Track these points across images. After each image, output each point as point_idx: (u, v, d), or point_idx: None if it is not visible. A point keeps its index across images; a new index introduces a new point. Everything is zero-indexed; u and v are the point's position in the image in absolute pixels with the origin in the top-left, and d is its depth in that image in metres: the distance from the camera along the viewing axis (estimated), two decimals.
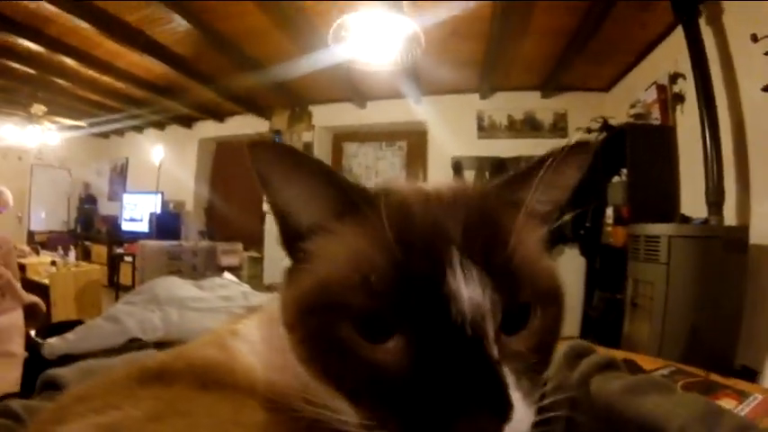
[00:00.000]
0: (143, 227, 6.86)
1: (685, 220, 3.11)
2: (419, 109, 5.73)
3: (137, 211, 7.19)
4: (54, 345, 1.04)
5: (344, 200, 0.35)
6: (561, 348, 0.54)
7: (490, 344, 0.29)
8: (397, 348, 0.30)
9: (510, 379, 0.29)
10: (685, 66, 3.24)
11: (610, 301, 3.56)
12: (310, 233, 0.36)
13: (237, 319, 0.47)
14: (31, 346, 1.37)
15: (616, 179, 3.98)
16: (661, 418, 0.45)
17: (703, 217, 2.92)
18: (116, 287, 5.09)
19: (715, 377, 1.15)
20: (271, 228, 6.07)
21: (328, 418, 0.31)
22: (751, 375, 2.40)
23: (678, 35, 3.22)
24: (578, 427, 0.46)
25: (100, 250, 7.09)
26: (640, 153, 3.63)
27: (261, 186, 0.36)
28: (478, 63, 4.65)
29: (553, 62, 4.52)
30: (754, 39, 2.29)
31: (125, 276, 5.81)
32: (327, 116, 6.16)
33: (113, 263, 6.49)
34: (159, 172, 6.76)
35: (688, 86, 3.43)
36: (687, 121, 3.48)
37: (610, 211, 3.90)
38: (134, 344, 1.06)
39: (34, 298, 1.25)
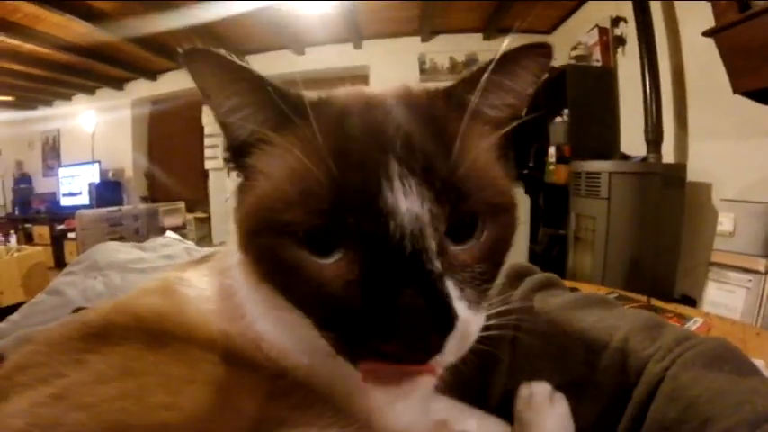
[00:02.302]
0: (83, 200, 6.47)
1: (625, 158, 3.23)
2: (360, 53, 5.58)
3: (75, 185, 6.74)
4: (1, 328, 0.99)
5: (283, 111, 0.33)
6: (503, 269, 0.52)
7: (431, 258, 0.29)
8: (341, 264, 0.30)
9: (454, 290, 0.29)
10: (627, 10, 3.29)
11: (554, 236, 3.68)
12: (252, 147, 0.35)
13: (182, 267, 0.44)
14: None
15: (558, 119, 4.02)
16: (603, 331, 0.46)
17: (642, 155, 3.02)
18: (64, 266, 4.78)
19: (657, 302, 1.20)
20: (215, 185, 6.06)
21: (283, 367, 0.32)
22: (690, 304, 2.55)
23: None
24: (525, 342, 0.46)
25: (42, 231, 6.68)
26: (581, 94, 3.69)
27: (202, 96, 0.35)
28: (419, 5, 4.52)
29: (495, 4, 4.47)
30: None
31: (71, 254, 5.51)
32: (264, 65, 5.70)
33: (57, 242, 6.19)
34: (93, 140, 6.35)
35: (629, 30, 3.50)
36: (627, 64, 3.56)
37: (552, 150, 3.95)
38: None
39: None
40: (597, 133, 3.67)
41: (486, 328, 0.34)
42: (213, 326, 0.35)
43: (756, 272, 1.71)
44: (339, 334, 0.29)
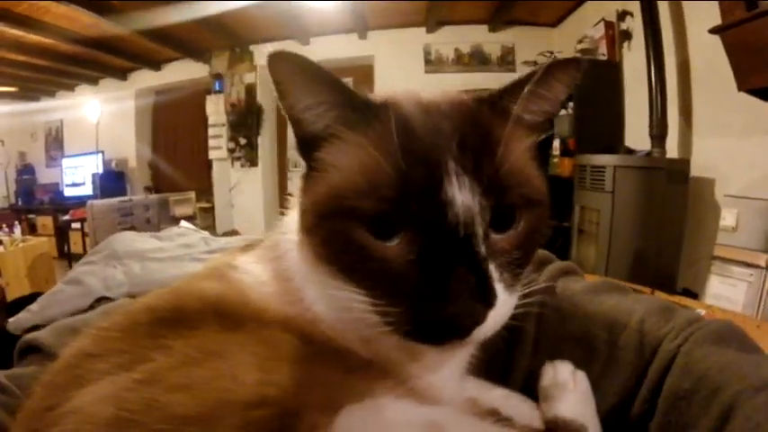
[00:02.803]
0: (86, 190, 6.44)
1: (630, 152, 3.25)
2: (365, 44, 5.56)
3: (78, 175, 6.75)
4: (19, 319, 1.00)
5: (354, 110, 0.38)
6: None
7: (479, 243, 0.33)
8: (402, 245, 0.34)
9: (495, 273, 0.34)
10: (633, 4, 3.30)
11: (557, 228, 3.73)
12: (323, 141, 0.39)
13: (231, 255, 0.48)
14: None
15: (563, 112, 3.98)
16: (622, 313, 0.50)
17: (647, 149, 3.05)
18: (68, 257, 4.83)
19: (660, 294, 1.24)
20: (219, 175, 6.01)
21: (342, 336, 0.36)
22: (692, 297, 2.58)
23: None
24: (548, 324, 0.50)
25: (45, 221, 6.67)
26: (587, 87, 3.62)
27: (278, 95, 0.40)
28: None
29: None
30: None
31: (76, 245, 5.52)
32: None
33: (61, 232, 6.12)
34: (97, 130, 6.33)
35: (635, 24, 3.50)
36: (633, 58, 3.58)
37: (557, 143, 3.95)
38: (101, 303, 1.03)
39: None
40: (602, 127, 3.71)
41: (515, 307, 0.38)
42: (277, 309, 0.38)
43: (758, 266, 1.74)
44: (399, 309, 0.33)
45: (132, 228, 1.80)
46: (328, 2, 4.37)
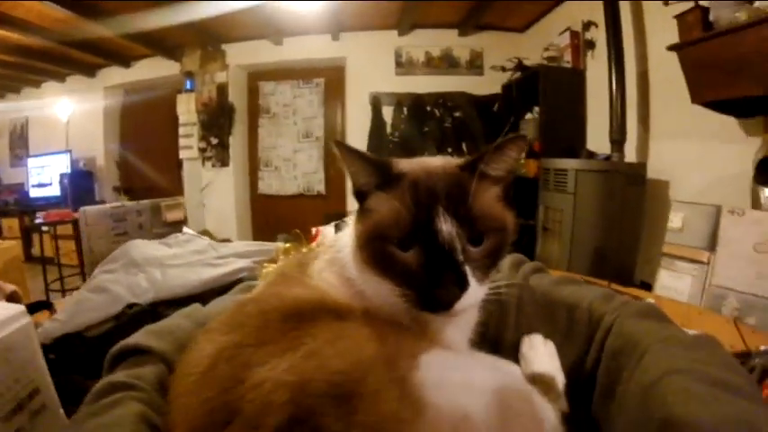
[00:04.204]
0: (54, 191, 6.30)
1: (591, 155, 3.42)
2: (338, 45, 5.65)
3: (45, 175, 6.48)
4: (48, 328, 1.05)
5: (385, 177, 0.56)
6: (508, 258, 0.75)
7: (458, 254, 0.51)
8: (414, 255, 0.52)
9: (469, 271, 0.52)
10: (598, 16, 3.48)
11: (524, 226, 3.87)
12: (369, 194, 0.57)
13: (300, 266, 0.64)
14: None
15: (529, 116, 4.24)
16: (577, 299, 0.69)
17: (607, 153, 3.25)
18: (42, 261, 4.53)
19: (616, 286, 1.41)
20: (190, 175, 5.97)
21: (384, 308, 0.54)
22: (648, 289, 2.80)
23: None
24: (525, 308, 0.69)
25: (11, 223, 6.39)
26: (552, 93, 3.91)
27: (344, 166, 0.57)
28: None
29: (473, 0, 4.58)
30: (666, 2, 2.52)
31: (47, 248, 5.03)
32: (242, 54, 5.86)
33: (28, 235, 5.99)
34: (68, 129, 6.26)
35: (599, 34, 3.68)
36: (596, 67, 3.78)
37: None
38: (132, 309, 1.12)
39: (12, 286, 1.26)
40: (566, 131, 3.90)
41: (497, 293, 0.57)
42: (351, 303, 0.56)
43: (701, 262, 1.96)
44: (412, 292, 0.52)
45: (125, 233, 1.86)
46: (303, 3, 4.40)
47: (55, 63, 5.81)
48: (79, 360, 0.67)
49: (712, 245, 1.91)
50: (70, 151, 6.21)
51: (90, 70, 6.34)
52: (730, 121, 2.53)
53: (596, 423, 0.57)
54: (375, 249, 0.53)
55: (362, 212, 0.57)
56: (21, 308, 0.60)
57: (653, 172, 3.10)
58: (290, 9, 4.50)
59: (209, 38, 5.59)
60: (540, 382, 0.60)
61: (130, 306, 1.11)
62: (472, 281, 0.51)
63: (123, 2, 4.12)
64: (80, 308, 1.10)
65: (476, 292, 0.51)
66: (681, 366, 0.46)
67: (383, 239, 0.52)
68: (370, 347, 0.46)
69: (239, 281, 1.27)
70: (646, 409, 0.43)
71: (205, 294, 1.18)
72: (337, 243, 0.63)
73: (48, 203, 5.54)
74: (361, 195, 0.58)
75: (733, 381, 0.43)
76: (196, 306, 0.72)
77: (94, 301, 1.14)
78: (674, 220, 2.07)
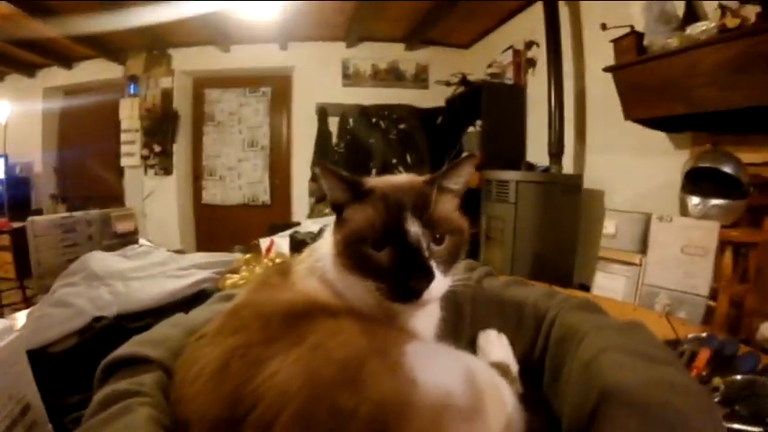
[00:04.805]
0: None
1: (530, 167, 3.62)
2: (285, 55, 5.69)
3: None
4: None
5: (358, 191, 0.62)
6: (462, 263, 0.84)
7: (424, 251, 0.58)
8: (387, 254, 0.58)
9: (434, 266, 0.58)
10: (540, 35, 3.68)
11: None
12: (345, 206, 0.63)
13: (278, 271, 0.71)
14: None
15: (471, 129, 4.40)
16: (524, 297, 0.79)
17: (546, 165, 3.45)
18: None
19: (556, 287, 1.53)
20: (131, 183, 5.81)
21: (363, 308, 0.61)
22: (586, 291, 2.99)
23: (537, 8, 3.65)
24: (479, 307, 0.78)
25: None
26: (494, 107, 4.10)
27: (323, 184, 0.64)
28: (348, 12, 4.67)
29: (421, 15, 4.69)
30: (603, 27, 2.67)
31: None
32: (188, 60, 5.77)
33: None
34: (5, 132, 5.66)
35: (540, 54, 3.89)
36: (537, 83, 3.96)
37: None
38: (98, 322, 1.10)
39: None
40: (507, 144, 4.10)
41: (455, 287, 0.63)
42: (336, 303, 0.61)
43: (633, 264, 2.12)
44: (386, 285, 0.58)
45: (75, 244, 1.81)
46: (253, 9, 4.38)
47: None
48: (46, 377, 0.66)
49: (643, 248, 2.08)
50: (6, 156, 5.75)
51: (30, 70, 6.05)
52: (660, 136, 2.75)
53: (547, 402, 0.65)
54: (353, 252, 0.60)
55: (340, 223, 0.64)
56: (9, 323, 0.60)
57: (589, 182, 3.30)
58: (239, 16, 4.47)
59: (154, 41, 5.46)
60: (497, 368, 0.67)
61: (97, 320, 1.09)
62: (437, 273, 0.58)
63: (73, 2, 3.96)
64: (42, 323, 1.07)
65: (440, 283, 0.58)
66: (613, 344, 0.55)
67: (360, 242, 0.59)
68: (364, 339, 0.52)
69: (202, 291, 1.29)
70: (586, 382, 0.51)
71: (170, 306, 1.19)
72: (315, 253, 0.69)
73: None
74: (337, 208, 0.65)
75: (657, 354, 0.52)
76: (179, 315, 0.75)
77: (57, 316, 1.10)
78: (608, 226, 2.23)
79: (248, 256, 1.56)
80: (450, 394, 0.46)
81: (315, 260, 0.67)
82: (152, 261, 1.43)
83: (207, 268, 1.43)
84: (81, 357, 0.95)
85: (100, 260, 1.36)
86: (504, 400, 0.52)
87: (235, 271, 1.43)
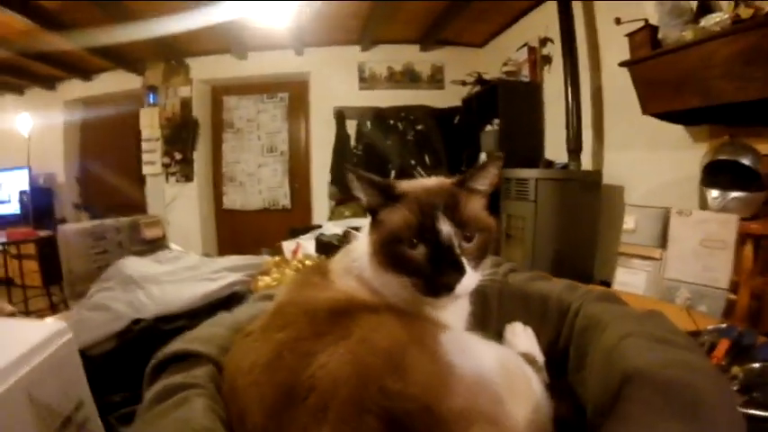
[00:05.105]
0: (12, 208, 5.90)
1: (549, 164, 3.62)
2: (301, 60, 5.75)
3: (2, 192, 6.02)
4: None
5: (391, 195, 0.67)
6: (488, 260, 0.88)
7: (455, 248, 0.62)
8: (421, 252, 0.62)
9: (465, 262, 0.62)
10: (554, 32, 3.68)
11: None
12: (380, 208, 0.67)
13: (317, 271, 0.76)
14: None
15: (489, 128, 4.41)
16: (548, 291, 0.82)
17: (564, 162, 3.45)
18: (6, 282, 4.36)
19: (576, 283, 1.55)
20: (153, 191, 5.92)
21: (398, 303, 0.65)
22: (608, 287, 2.98)
23: (551, 4, 3.65)
24: (505, 301, 0.82)
25: None
26: (511, 106, 4.10)
27: (358, 188, 0.68)
28: (362, 15, 4.71)
29: (434, 17, 4.71)
30: (618, 21, 2.70)
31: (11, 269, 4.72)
32: (206, 69, 5.88)
33: None
34: (29, 144, 5.91)
35: (555, 50, 3.90)
36: (553, 80, 3.99)
37: (483, 157, 4.32)
38: (136, 325, 1.14)
39: (11, 307, 1.25)
40: (524, 142, 4.10)
41: (483, 282, 0.67)
42: (374, 300, 0.65)
43: (654, 258, 2.14)
44: (421, 281, 0.62)
45: (105, 251, 1.87)
46: (268, 16, 4.41)
47: (13, 75, 5.67)
48: (87, 379, 0.69)
49: (663, 243, 2.09)
50: (30, 167, 5.84)
51: (49, 83, 6.19)
52: (678, 130, 2.75)
53: (572, 390, 0.68)
54: (389, 250, 0.64)
55: (375, 224, 0.68)
56: (63, 324, 0.63)
57: (608, 178, 3.29)
58: (254, 24, 4.53)
59: (172, 51, 5.55)
60: (524, 359, 0.70)
61: (135, 322, 1.11)
62: (468, 269, 0.61)
63: (87, 15, 4.04)
64: (81, 327, 1.07)
65: (471, 278, 0.62)
66: (634, 331, 0.58)
67: (395, 241, 0.63)
68: (404, 331, 0.56)
69: (234, 294, 1.33)
70: (609, 367, 0.54)
71: (203, 308, 1.22)
72: (351, 254, 0.73)
73: (6, 222, 5.34)
74: (372, 211, 0.69)
75: (675, 339, 0.56)
76: (223, 315, 0.79)
77: (96, 320, 1.14)
78: (628, 222, 2.25)
79: (278, 258, 1.61)
80: (483, 378, 0.50)
81: (351, 260, 0.71)
82: (184, 265, 1.48)
83: (238, 271, 1.47)
84: (121, 359, 0.98)
85: (134, 265, 1.41)
86: (532, 385, 0.55)
87: (265, 273, 1.48)
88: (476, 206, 0.67)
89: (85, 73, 5.98)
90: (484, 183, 0.69)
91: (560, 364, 0.75)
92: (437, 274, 0.60)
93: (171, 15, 3.99)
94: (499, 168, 0.69)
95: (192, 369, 0.61)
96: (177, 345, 0.66)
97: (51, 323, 0.63)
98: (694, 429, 0.42)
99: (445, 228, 0.61)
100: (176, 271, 1.42)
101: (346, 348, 0.53)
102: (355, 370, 0.49)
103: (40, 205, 5.62)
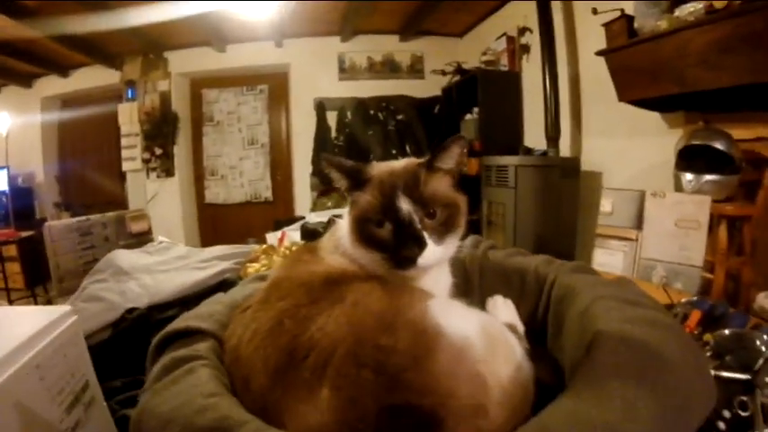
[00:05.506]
0: None
1: (528, 152, 3.68)
2: (281, 52, 5.75)
3: None
4: None
5: (360, 178, 0.71)
6: (469, 239, 0.92)
7: (416, 224, 0.66)
8: (386, 230, 0.67)
9: (427, 236, 0.66)
10: (533, 21, 3.73)
11: (468, 221, 4.09)
12: (354, 191, 0.72)
13: (308, 249, 0.81)
14: None
15: (468, 117, 4.49)
16: (526, 265, 0.87)
17: (543, 149, 3.51)
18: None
19: (552, 257, 1.61)
20: (133, 186, 5.85)
21: (372, 270, 0.69)
22: None
23: None
24: (485, 275, 0.86)
25: None
26: (490, 95, 4.17)
27: (331, 174, 0.73)
28: (341, 7, 4.72)
29: (413, 7, 4.76)
30: (594, 12, 2.76)
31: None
32: (184, 62, 5.82)
33: None
34: (7, 143, 5.54)
35: (534, 39, 3.96)
36: (531, 69, 4.04)
37: None
38: (131, 314, 1.17)
39: None
40: (504, 130, 4.16)
41: (457, 254, 0.74)
42: (358, 271, 0.70)
43: (630, 239, 2.21)
44: (388, 255, 0.66)
45: (92, 246, 1.88)
46: (247, 9, 4.39)
47: None
48: None
49: (639, 224, 2.16)
50: (8, 167, 5.78)
51: (26, 80, 6.06)
52: (654, 117, 2.82)
53: (552, 356, 0.72)
54: (361, 229, 0.69)
55: (351, 205, 0.73)
56: (68, 308, 0.66)
57: (586, 165, 3.38)
58: (233, 16, 4.50)
59: (150, 45, 5.48)
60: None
61: (129, 311, 1.15)
62: (430, 243, 0.66)
63: (59, 1, 3.93)
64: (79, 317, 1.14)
65: (434, 251, 0.67)
66: (604, 294, 0.63)
67: (366, 221, 0.68)
68: (394, 296, 0.61)
69: (225, 281, 1.37)
70: (582, 327, 0.59)
71: (195, 296, 1.26)
72: (337, 232, 0.77)
73: None
74: (350, 192, 0.74)
75: (642, 301, 0.61)
76: (220, 294, 0.84)
77: (90, 310, 1.17)
78: (605, 204, 2.32)
79: (265, 246, 1.64)
80: (468, 338, 0.54)
81: (337, 238, 0.75)
82: (174, 255, 1.50)
83: (227, 259, 1.50)
84: (117, 348, 1.01)
85: (125, 257, 1.44)
86: (514, 349, 0.60)
87: (254, 260, 1.51)
88: (439, 184, 0.71)
89: (62, 69, 5.87)
90: (448, 162, 0.72)
91: (540, 333, 0.79)
92: (400, 249, 0.65)
93: (149, 4, 3.94)
94: (462, 147, 0.73)
95: (194, 344, 0.65)
96: (178, 322, 0.70)
97: (56, 307, 0.66)
98: (649, 391, 0.45)
99: (404, 206, 0.65)
100: (167, 261, 1.45)
101: (341, 311, 0.57)
102: (351, 330, 0.54)
103: (20, 205, 5.52)
